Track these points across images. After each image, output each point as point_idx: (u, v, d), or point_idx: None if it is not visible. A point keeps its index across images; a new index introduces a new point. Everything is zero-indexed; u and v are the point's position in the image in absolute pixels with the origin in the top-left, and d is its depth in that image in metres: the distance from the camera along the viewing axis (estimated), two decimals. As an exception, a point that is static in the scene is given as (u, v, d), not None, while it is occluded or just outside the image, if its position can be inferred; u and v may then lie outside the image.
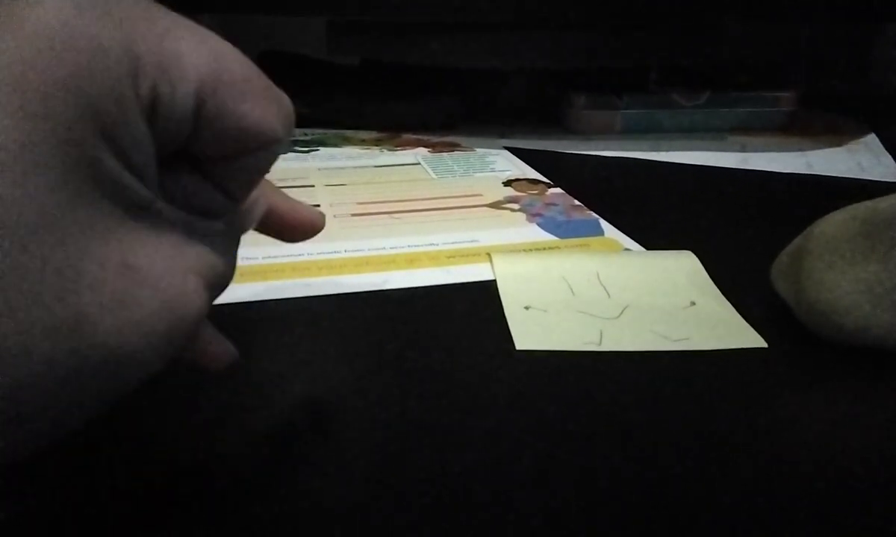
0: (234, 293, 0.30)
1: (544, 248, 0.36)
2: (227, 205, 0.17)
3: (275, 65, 0.70)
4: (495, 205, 0.42)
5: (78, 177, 0.13)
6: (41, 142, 0.13)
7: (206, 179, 0.17)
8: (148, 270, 0.15)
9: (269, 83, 0.17)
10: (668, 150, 0.58)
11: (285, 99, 0.17)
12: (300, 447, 0.21)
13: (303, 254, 0.34)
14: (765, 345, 0.27)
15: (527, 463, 0.20)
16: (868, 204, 0.26)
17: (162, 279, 0.15)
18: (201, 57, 0.15)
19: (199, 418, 0.22)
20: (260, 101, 0.16)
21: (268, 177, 0.20)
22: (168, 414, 0.22)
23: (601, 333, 0.27)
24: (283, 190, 0.23)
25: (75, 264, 0.13)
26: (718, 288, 0.31)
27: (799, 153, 0.58)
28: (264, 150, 0.17)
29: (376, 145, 0.58)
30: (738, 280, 0.32)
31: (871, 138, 0.63)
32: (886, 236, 0.25)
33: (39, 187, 0.13)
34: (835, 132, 0.65)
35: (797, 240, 0.28)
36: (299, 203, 0.23)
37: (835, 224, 0.26)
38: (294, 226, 0.23)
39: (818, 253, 0.26)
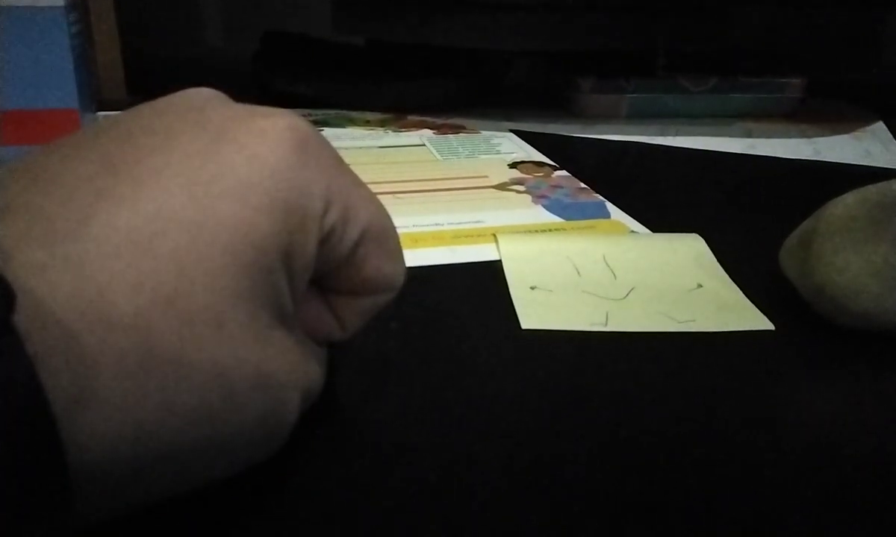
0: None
1: (550, 230, 0.35)
2: (338, 334, 0.20)
3: (279, 44, 0.70)
4: (500, 187, 0.42)
5: (259, 292, 0.15)
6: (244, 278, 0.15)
7: (329, 309, 0.19)
8: (270, 377, 0.15)
9: (400, 242, 0.20)
10: (674, 135, 0.57)
11: (402, 255, 0.20)
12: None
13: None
14: (772, 327, 0.26)
15: (532, 441, 0.20)
16: (880, 186, 0.25)
17: (280, 390, 0.16)
18: (369, 209, 0.18)
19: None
20: (393, 256, 0.19)
21: None
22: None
23: (607, 314, 0.27)
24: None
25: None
26: (725, 271, 0.31)
27: (806, 140, 0.57)
28: (383, 295, 0.20)
29: (381, 126, 0.57)
30: (745, 263, 0.32)
31: (879, 126, 0.63)
32: (898, 219, 0.24)
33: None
34: (842, 119, 0.65)
35: (807, 223, 0.27)
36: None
37: (845, 206, 0.26)
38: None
39: (828, 235, 0.25)
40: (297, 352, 0.17)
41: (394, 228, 0.20)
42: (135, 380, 0.13)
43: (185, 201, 0.14)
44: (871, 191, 0.25)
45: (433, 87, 0.63)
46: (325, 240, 0.17)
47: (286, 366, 0.16)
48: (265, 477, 0.18)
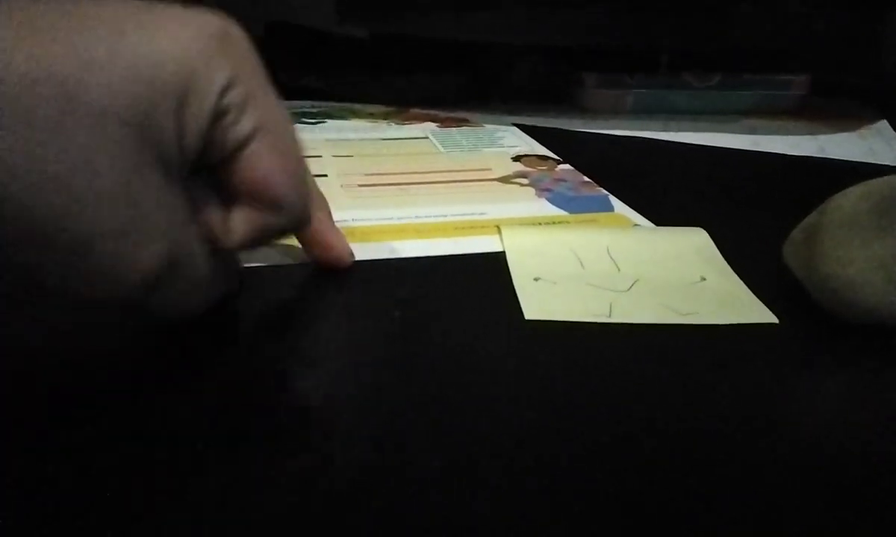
0: (246, 258, 0.30)
1: (553, 222, 0.35)
2: (222, 237, 0.21)
3: (282, 36, 0.69)
4: (504, 180, 0.42)
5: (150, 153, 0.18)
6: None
7: (218, 208, 0.21)
8: (146, 216, 0.18)
9: (303, 171, 0.22)
10: (677, 131, 0.57)
11: (303, 186, 0.22)
12: (303, 415, 0.21)
13: (310, 222, 0.34)
14: (776, 320, 0.26)
15: (534, 430, 0.20)
16: (886, 179, 0.25)
17: (155, 225, 0.18)
18: (271, 113, 0.21)
19: (201, 384, 0.22)
20: (287, 173, 0.21)
21: None
22: (173, 382, 0.22)
23: (611, 305, 0.27)
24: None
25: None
26: (729, 265, 0.31)
27: (810, 137, 0.57)
28: (272, 213, 0.21)
29: (384, 119, 0.57)
30: (748, 258, 0.31)
31: (883, 124, 0.63)
32: (903, 212, 0.24)
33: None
34: (846, 118, 0.64)
35: (812, 216, 0.27)
36: (332, 233, 0.29)
37: (850, 199, 0.26)
38: (320, 249, 0.28)
39: (832, 228, 0.25)
40: (167, 204, 0.19)
41: (296, 151, 0.22)
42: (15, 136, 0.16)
43: (103, 41, 0.17)
44: (877, 184, 0.25)
45: (437, 81, 0.63)
46: (220, 115, 0.19)
47: (147, 205, 0.18)
48: (263, 452, 0.18)
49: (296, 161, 0.22)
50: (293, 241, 0.31)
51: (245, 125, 0.20)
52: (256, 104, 0.20)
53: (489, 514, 0.17)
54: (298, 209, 0.22)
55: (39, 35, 0.16)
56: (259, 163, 0.20)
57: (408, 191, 0.40)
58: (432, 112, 0.60)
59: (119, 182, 0.17)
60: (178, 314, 0.20)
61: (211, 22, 0.20)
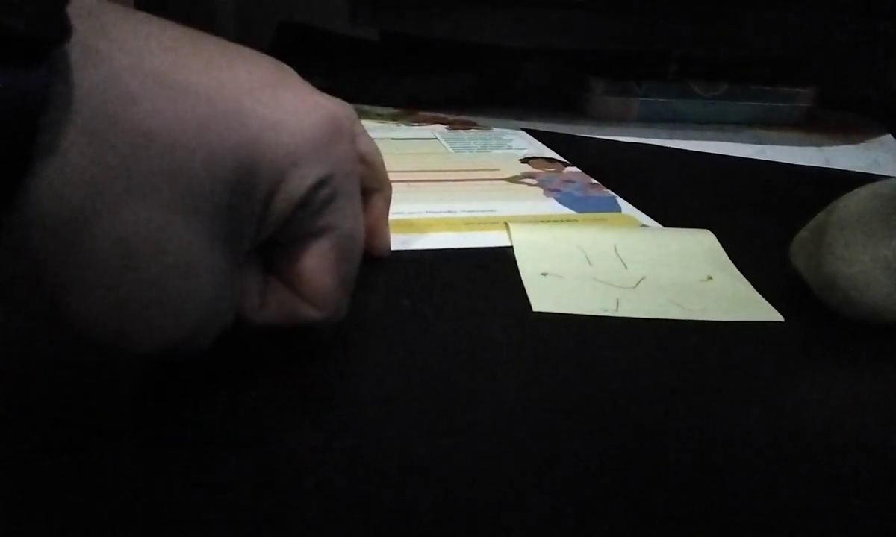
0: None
1: (562, 220, 0.36)
2: (249, 312, 0.20)
3: (292, 37, 0.70)
4: (512, 180, 0.42)
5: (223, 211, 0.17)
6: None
7: (260, 283, 0.21)
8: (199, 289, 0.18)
9: (354, 278, 0.22)
10: (684, 139, 0.57)
11: (345, 293, 0.22)
12: (308, 404, 0.21)
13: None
14: (781, 319, 0.27)
15: (539, 421, 0.20)
16: (892, 181, 0.26)
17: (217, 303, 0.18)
18: (348, 217, 0.21)
19: (209, 382, 0.22)
20: (339, 277, 0.21)
21: None
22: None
23: (618, 301, 0.27)
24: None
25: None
26: (735, 265, 0.31)
27: (815, 148, 0.58)
28: (308, 307, 0.21)
29: (393, 120, 0.58)
30: (754, 260, 0.32)
31: (888, 138, 0.63)
32: (910, 213, 0.25)
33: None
34: (851, 130, 0.65)
35: (819, 216, 0.28)
36: (385, 222, 0.30)
37: (857, 200, 0.26)
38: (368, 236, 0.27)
39: (839, 228, 0.26)
40: (226, 281, 0.18)
41: (354, 258, 0.21)
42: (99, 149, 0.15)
43: (207, 97, 0.17)
44: (885, 186, 0.26)
45: (447, 83, 0.64)
46: (303, 207, 0.19)
47: (214, 281, 0.17)
48: (268, 444, 0.18)
49: (352, 264, 0.21)
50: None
51: (320, 221, 0.20)
52: (339, 203, 0.20)
53: (493, 502, 0.17)
54: (332, 312, 0.21)
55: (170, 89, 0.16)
56: (316, 260, 0.20)
57: (418, 187, 0.40)
58: (440, 115, 0.61)
59: (187, 258, 0.17)
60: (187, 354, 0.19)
61: (328, 106, 0.20)
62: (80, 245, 0.15)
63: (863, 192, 0.26)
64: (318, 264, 0.20)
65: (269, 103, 0.18)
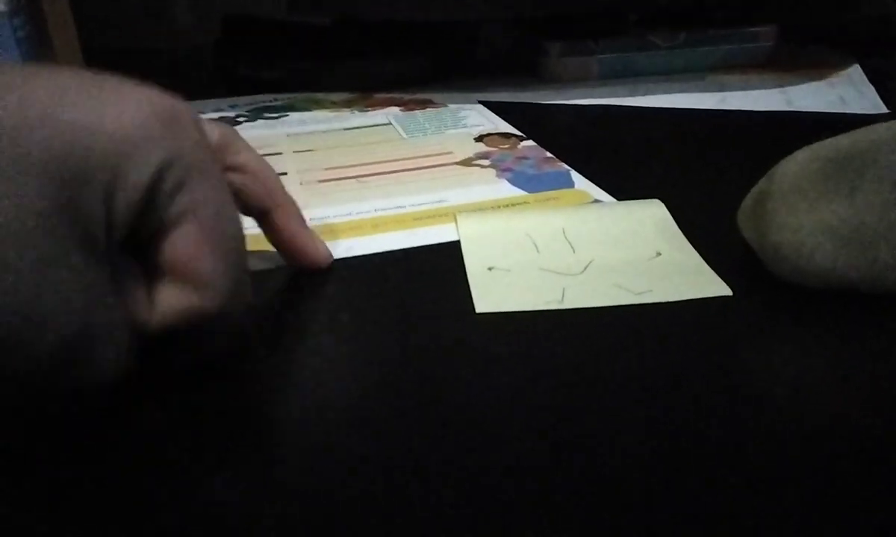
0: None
1: (512, 204, 0.35)
2: (143, 315, 0.20)
3: (241, 28, 0.68)
4: (465, 163, 0.42)
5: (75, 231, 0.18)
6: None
7: (143, 288, 0.21)
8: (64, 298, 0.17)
9: (238, 251, 0.22)
10: (645, 95, 0.56)
11: (235, 267, 0.21)
12: (255, 412, 0.21)
13: (265, 226, 0.34)
14: (730, 292, 0.26)
15: (483, 432, 0.20)
16: (831, 141, 0.25)
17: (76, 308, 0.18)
18: (209, 195, 0.21)
19: (164, 391, 0.22)
20: (218, 253, 0.21)
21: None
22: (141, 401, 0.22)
23: (563, 291, 0.27)
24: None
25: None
26: (687, 236, 0.30)
27: (778, 89, 0.56)
28: (196, 292, 0.20)
29: (347, 107, 0.57)
30: (707, 227, 0.31)
31: (855, 70, 0.62)
32: (848, 175, 0.24)
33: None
34: (816, 65, 0.64)
35: (761, 183, 0.27)
36: (306, 235, 0.28)
37: (797, 164, 0.25)
38: (292, 254, 0.28)
39: (780, 194, 0.25)
40: (95, 281, 0.18)
41: (232, 231, 0.21)
42: None
43: (46, 107, 0.17)
44: (823, 147, 0.25)
45: (400, 63, 0.62)
46: (153, 196, 0.19)
47: (76, 279, 0.17)
48: (232, 452, 0.18)
49: (228, 242, 0.21)
50: (251, 245, 0.31)
51: (176, 206, 0.20)
52: (193, 185, 0.20)
53: (433, 510, 0.17)
54: (226, 292, 0.21)
55: None
56: (186, 244, 0.20)
57: (367, 184, 0.39)
58: (396, 96, 0.59)
59: (39, 260, 0.17)
60: (105, 380, 0.19)
61: (156, 99, 0.20)
62: None
63: (801, 156, 0.25)
64: (190, 249, 0.20)
65: (84, 106, 0.18)
